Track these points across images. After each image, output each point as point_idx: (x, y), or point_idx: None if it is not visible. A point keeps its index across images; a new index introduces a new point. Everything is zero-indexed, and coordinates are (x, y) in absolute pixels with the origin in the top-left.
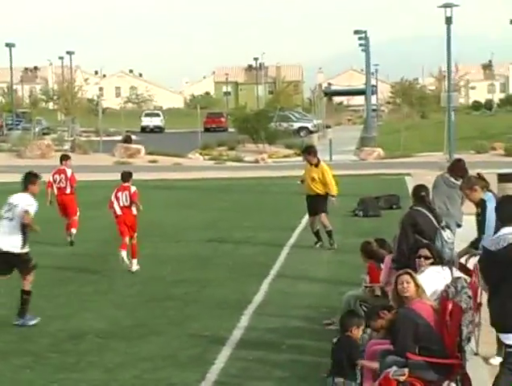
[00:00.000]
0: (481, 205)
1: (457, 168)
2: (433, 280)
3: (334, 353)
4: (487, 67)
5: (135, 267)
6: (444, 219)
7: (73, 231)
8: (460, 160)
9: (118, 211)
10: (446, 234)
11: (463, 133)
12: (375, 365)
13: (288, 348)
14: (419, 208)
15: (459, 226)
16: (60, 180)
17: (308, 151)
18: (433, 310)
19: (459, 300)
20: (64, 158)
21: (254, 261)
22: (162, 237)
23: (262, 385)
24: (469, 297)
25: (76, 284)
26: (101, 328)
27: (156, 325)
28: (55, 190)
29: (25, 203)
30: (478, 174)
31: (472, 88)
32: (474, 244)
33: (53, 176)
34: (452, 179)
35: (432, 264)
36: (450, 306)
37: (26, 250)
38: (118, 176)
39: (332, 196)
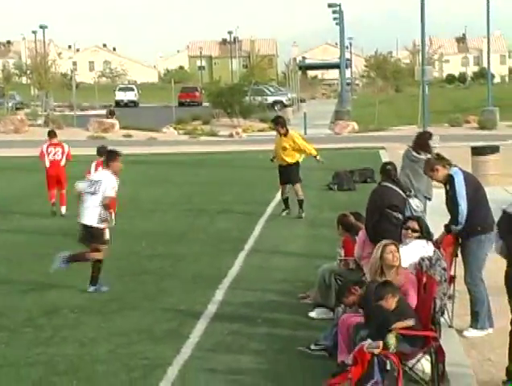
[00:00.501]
0: (449, 180)
1: (420, 141)
2: (417, 253)
3: (368, 323)
4: (461, 40)
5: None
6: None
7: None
8: (424, 133)
9: None
10: (414, 203)
11: (437, 106)
12: (410, 322)
13: (264, 322)
14: (386, 184)
15: (429, 199)
16: (56, 153)
17: (276, 121)
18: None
19: (433, 273)
20: (54, 133)
21: (229, 236)
22: (136, 212)
23: (238, 359)
24: (444, 269)
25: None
26: (76, 303)
27: (131, 299)
28: (48, 163)
29: (109, 184)
30: (437, 154)
31: (446, 61)
32: (448, 227)
33: (47, 148)
34: (414, 153)
35: (418, 237)
36: (424, 279)
37: (102, 225)
38: (92, 151)
39: (315, 156)
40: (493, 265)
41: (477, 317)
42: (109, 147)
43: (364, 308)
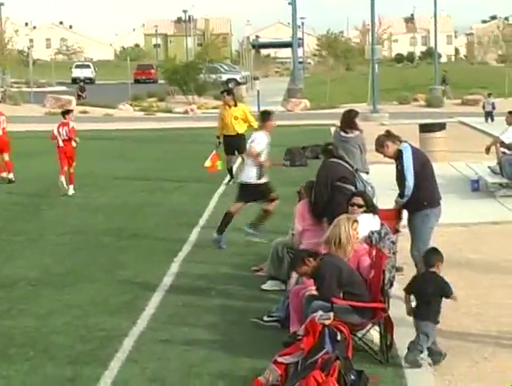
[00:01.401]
0: (398, 154)
1: (347, 120)
2: (366, 227)
3: (420, 290)
4: (409, 20)
5: (71, 191)
6: None
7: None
8: (349, 112)
9: (61, 143)
10: (366, 176)
11: (386, 84)
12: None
13: (218, 294)
14: (331, 160)
15: (366, 173)
16: (1, 121)
17: (228, 92)
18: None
19: (382, 246)
20: None
21: (184, 210)
22: (93, 187)
23: (193, 331)
24: (392, 242)
25: (7, 233)
26: (33, 276)
27: (87, 272)
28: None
29: (258, 140)
30: (387, 131)
31: (395, 41)
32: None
33: None
34: (342, 133)
35: (365, 212)
36: (374, 252)
37: (263, 181)
38: (49, 127)
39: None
40: (440, 239)
41: None
42: (263, 108)
43: (316, 279)
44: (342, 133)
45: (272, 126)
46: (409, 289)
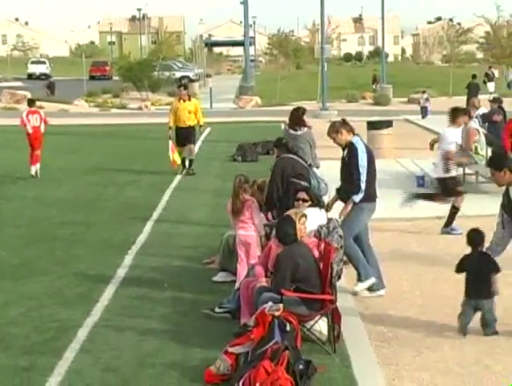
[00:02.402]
0: (350, 147)
1: (295, 118)
2: (315, 221)
3: (479, 270)
4: (357, 20)
5: (33, 171)
6: None
7: None
8: (297, 109)
9: (30, 130)
10: (317, 171)
11: (335, 82)
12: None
13: (170, 286)
14: (287, 155)
15: (317, 168)
16: None
17: (186, 86)
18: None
19: (331, 239)
20: None
21: (138, 204)
22: (48, 181)
23: (145, 322)
24: (340, 236)
25: None
26: None
27: (42, 265)
28: None
29: (451, 139)
30: (343, 119)
31: (344, 40)
32: (339, 191)
33: None
34: (291, 131)
35: (310, 206)
36: (322, 245)
37: (451, 174)
38: (5, 121)
39: (201, 126)
40: (386, 233)
41: (359, 270)
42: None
43: (276, 266)
44: (291, 131)
45: (461, 122)
46: (460, 269)
